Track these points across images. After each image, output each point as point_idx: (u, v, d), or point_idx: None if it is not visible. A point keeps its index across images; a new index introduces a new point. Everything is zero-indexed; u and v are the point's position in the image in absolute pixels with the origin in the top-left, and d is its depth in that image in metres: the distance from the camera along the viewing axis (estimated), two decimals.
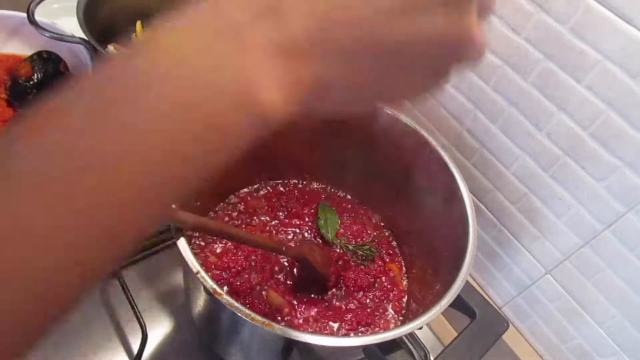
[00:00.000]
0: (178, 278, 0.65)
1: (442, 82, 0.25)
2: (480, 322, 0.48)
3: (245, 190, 0.67)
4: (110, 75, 0.20)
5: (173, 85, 0.20)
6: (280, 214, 0.66)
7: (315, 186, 0.70)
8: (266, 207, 0.66)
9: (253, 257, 0.60)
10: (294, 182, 0.70)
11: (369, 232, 0.66)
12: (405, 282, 0.63)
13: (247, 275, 0.58)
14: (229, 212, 0.64)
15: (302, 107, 0.23)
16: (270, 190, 0.69)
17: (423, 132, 0.56)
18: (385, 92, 0.25)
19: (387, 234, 0.68)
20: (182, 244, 0.43)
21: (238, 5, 0.21)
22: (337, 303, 0.59)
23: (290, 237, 0.64)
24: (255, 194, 0.68)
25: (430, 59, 0.23)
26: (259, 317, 0.39)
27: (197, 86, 0.20)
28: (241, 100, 0.21)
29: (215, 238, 0.60)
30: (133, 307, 0.57)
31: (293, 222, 0.65)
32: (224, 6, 0.21)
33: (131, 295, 0.58)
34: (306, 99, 0.22)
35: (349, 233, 0.65)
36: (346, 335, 0.56)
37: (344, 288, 0.60)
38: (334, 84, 0.22)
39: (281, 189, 0.69)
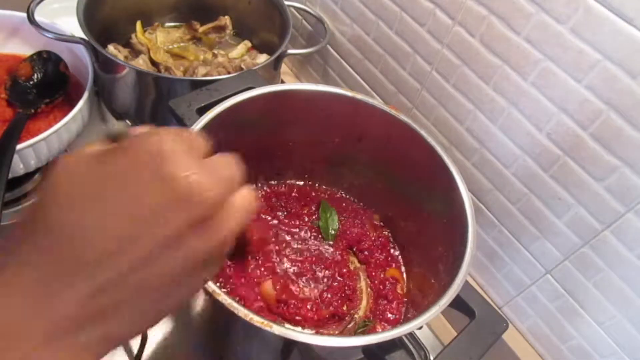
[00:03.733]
0: None
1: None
2: (479, 322, 0.48)
3: None
4: None
5: None
6: (280, 214, 0.66)
7: (315, 186, 0.70)
8: (266, 207, 0.66)
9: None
10: (294, 182, 0.70)
11: (369, 232, 0.66)
12: (404, 282, 0.63)
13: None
14: None
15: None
16: (269, 191, 0.69)
17: (423, 132, 0.56)
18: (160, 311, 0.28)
19: (387, 233, 0.68)
20: None
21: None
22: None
23: (288, 237, 0.64)
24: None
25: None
26: (258, 318, 0.39)
27: None
28: None
29: None
30: None
31: (293, 222, 0.65)
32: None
33: None
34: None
35: (348, 233, 0.65)
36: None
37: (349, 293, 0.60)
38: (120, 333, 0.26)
39: (281, 189, 0.69)
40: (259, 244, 0.60)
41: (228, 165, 0.29)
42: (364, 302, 0.61)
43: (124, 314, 0.26)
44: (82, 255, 0.24)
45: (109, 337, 0.26)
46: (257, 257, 0.60)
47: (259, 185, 0.69)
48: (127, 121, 0.78)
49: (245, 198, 0.29)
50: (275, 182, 0.70)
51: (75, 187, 0.25)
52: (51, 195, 0.26)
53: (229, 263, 0.58)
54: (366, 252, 0.64)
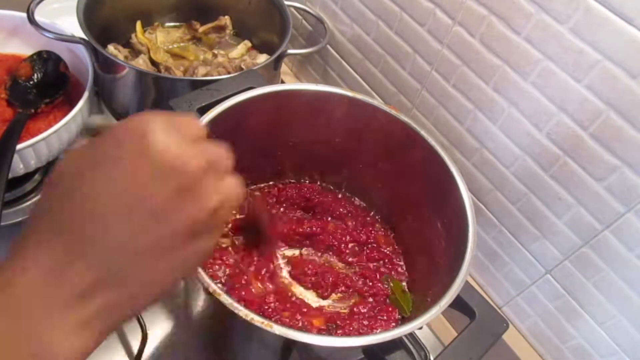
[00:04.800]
0: None
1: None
2: (480, 322, 0.48)
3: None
4: None
5: None
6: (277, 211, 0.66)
7: (315, 186, 0.70)
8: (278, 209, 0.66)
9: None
10: (294, 182, 0.70)
11: (369, 233, 0.66)
12: (405, 283, 0.63)
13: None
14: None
15: (102, 334, 0.28)
16: (267, 191, 0.69)
17: (423, 132, 0.56)
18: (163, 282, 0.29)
19: (387, 233, 0.68)
20: None
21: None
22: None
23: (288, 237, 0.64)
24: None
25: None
26: (258, 318, 0.39)
27: None
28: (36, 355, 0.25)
29: None
30: None
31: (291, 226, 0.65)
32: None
33: None
34: (103, 327, 0.28)
35: (347, 232, 0.65)
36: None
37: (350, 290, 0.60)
38: (124, 303, 0.28)
39: (280, 189, 0.69)
40: (272, 235, 0.60)
41: (216, 148, 0.30)
42: (356, 299, 0.60)
43: (122, 283, 0.27)
44: (81, 230, 0.26)
45: (109, 308, 0.27)
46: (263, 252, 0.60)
47: (259, 185, 0.69)
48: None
49: (234, 182, 0.30)
50: (275, 182, 0.70)
51: (73, 171, 0.28)
52: (53, 183, 0.28)
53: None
54: (366, 252, 0.64)
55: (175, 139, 0.27)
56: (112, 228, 0.26)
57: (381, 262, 0.64)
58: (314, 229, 0.63)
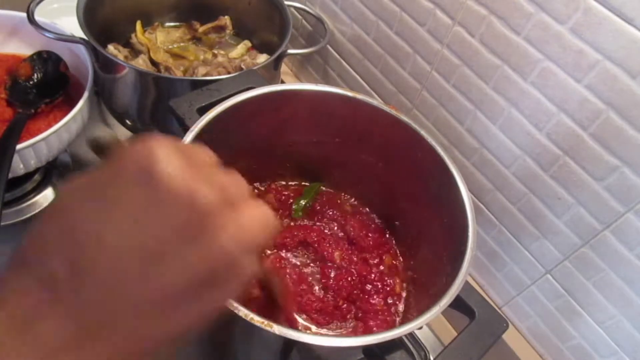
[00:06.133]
0: None
1: (225, 299, 0.26)
2: (480, 322, 0.48)
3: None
4: None
5: None
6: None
7: (315, 187, 0.70)
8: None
9: None
10: (294, 183, 0.70)
11: (369, 232, 0.66)
12: (404, 282, 0.63)
13: None
14: None
15: None
16: (265, 191, 0.69)
17: (423, 132, 0.56)
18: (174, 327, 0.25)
19: (387, 234, 0.68)
20: None
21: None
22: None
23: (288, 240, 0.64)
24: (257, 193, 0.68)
25: (201, 288, 0.24)
26: (258, 318, 0.39)
27: None
28: None
29: None
30: None
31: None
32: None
33: None
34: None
35: (347, 232, 0.65)
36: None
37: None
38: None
39: (280, 189, 0.69)
40: (286, 304, 0.54)
41: (232, 177, 0.26)
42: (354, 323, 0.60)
43: (109, 337, 0.23)
44: (66, 274, 0.23)
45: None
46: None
47: (259, 185, 0.69)
48: (127, 121, 0.78)
49: (258, 215, 0.25)
50: (275, 182, 0.70)
51: (69, 207, 0.24)
52: (48, 218, 0.24)
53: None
54: (366, 252, 0.64)
55: (182, 166, 0.23)
56: (103, 273, 0.22)
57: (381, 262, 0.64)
58: (313, 237, 0.63)
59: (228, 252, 0.24)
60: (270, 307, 0.51)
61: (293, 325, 0.55)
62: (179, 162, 0.23)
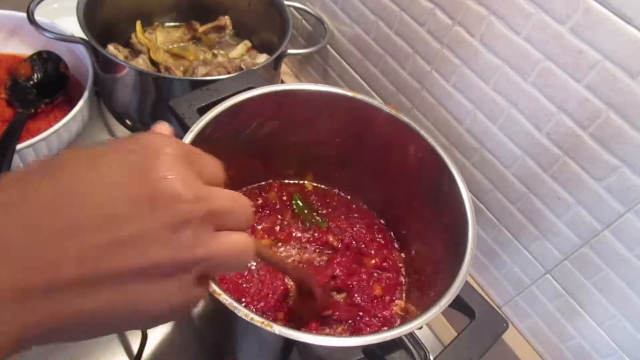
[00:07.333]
0: None
1: (194, 295, 0.26)
2: (479, 322, 0.48)
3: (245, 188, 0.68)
4: None
5: None
6: (279, 215, 0.66)
7: (315, 187, 0.70)
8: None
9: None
10: (294, 183, 0.70)
11: (369, 232, 0.66)
12: (404, 282, 0.63)
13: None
14: None
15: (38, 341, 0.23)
16: (261, 191, 0.69)
17: (423, 132, 0.56)
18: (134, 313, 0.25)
19: (387, 234, 0.68)
20: None
21: None
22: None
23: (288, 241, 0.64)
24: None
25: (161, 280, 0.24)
26: (258, 318, 0.39)
27: None
28: None
29: None
30: None
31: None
32: None
33: None
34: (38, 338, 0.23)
35: (348, 232, 0.65)
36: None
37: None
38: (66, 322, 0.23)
39: (280, 189, 0.69)
40: (322, 304, 0.55)
41: (231, 198, 0.26)
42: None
43: (55, 302, 0.23)
44: (55, 222, 0.23)
45: (50, 318, 0.23)
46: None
47: (259, 185, 0.69)
48: (127, 121, 0.78)
49: (237, 243, 0.26)
50: (275, 182, 0.70)
51: (61, 160, 0.25)
52: (38, 165, 0.25)
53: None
54: (365, 252, 0.64)
55: (184, 171, 0.25)
56: (65, 234, 0.22)
57: (380, 262, 0.64)
58: (316, 235, 0.63)
59: (185, 263, 0.24)
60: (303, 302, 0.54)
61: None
62: (183, 164, 0.25)
